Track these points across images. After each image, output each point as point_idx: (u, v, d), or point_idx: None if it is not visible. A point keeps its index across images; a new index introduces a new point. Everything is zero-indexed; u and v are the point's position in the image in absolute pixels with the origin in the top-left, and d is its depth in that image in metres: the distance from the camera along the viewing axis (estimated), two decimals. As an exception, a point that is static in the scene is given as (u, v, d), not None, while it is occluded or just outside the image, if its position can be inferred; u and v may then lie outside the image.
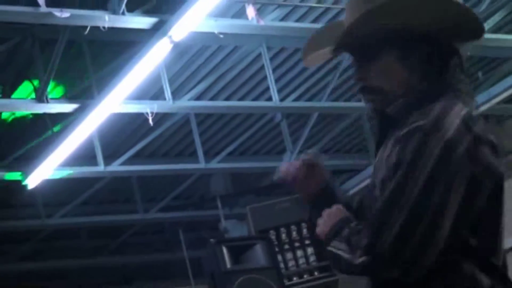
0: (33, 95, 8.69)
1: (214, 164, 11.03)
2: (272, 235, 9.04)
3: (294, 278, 9.18)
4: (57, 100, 8.77)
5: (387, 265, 2.72)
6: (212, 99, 10.22)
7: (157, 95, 9.35)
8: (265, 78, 9.68)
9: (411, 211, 2.67)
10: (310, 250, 9.41)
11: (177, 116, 10.34)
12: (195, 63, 9.64)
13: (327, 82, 10.27)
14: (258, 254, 8.22)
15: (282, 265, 8.84)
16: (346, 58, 9.87)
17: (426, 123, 2.73)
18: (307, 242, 9.40)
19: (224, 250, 7.92)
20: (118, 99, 8.55)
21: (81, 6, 7.48)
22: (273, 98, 9.62)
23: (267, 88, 9.80)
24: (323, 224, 2.91)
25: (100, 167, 10.06)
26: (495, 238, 2.89)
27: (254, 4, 8.18)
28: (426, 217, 2.66)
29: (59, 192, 10.98)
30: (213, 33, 8.06)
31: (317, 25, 8.98)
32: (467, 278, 2.80)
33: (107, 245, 13.25)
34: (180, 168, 11.31)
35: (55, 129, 9.42)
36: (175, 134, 11.12)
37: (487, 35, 9.32)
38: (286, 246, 9.33)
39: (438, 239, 2.69)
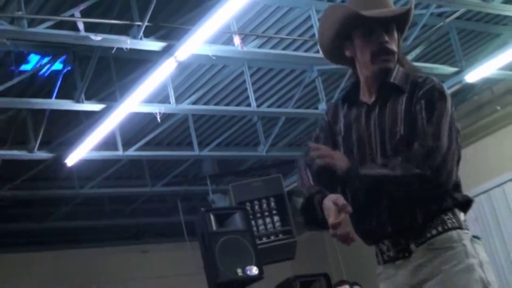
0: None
1: (206, 152, 10.99)
2: (248, 206, 9.18)
3: (264, 239, 9.31)
4: (90, 101, 8.73)
5: (435, 176, 2.83)
6: (205, 103, 10.17)
7: (164, 100, 9.27)
8: (246, 89, 9.70)
9: (448, 146, 2.85)
10: (276, 218, 9.54)
11: (178, 115, 10.31)
12: (193, 77, 9.60)
13: (293, 94, 10.33)
14: (237, 220, 8.32)
15: (254, 229, 8.96)
16: (307, 77, 9.98)
17: (437, 84, 2.98)
18: (274, 212, 9.52)
19: (211, 216, 8.01)
20: (135, 101, 8.59)
21: (110, 32, 7.49)
22: (252, 105, 9.65)
23: (247, 97, 9.81)
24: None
25: (120, 152, 10.06)
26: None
27: (239, 34, 8.27)
28: (456, 153, 2.93)
29: (89, 169, 10.92)
30: (207, 55, 8.09)
31: (287, 52, 9.06)
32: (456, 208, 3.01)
33: (123, 210, 13.17)
34: (179, 154, 11.34)
35: (87, 122, 9.40)
36: (177, 129, 11.05)
37: (413, 62, 9.42)
38: (258, 215, 9.47)
39: (457, 168, 2.98)
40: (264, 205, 9.55)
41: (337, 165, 2.86)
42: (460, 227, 2.94)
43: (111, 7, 7.53)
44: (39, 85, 9.01)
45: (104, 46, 7.71)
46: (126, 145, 10.21)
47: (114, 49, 7.64)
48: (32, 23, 7.11)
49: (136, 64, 8.65)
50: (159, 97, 9.20)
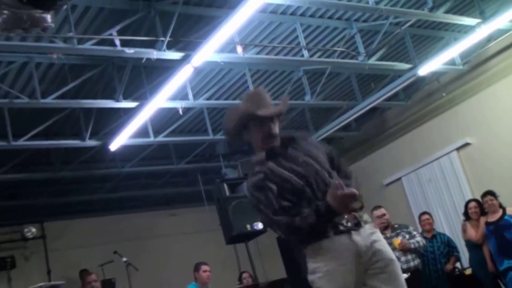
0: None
1: (218, 136, 10.96)
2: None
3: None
4: (126, 100, 8.76)
5: None
6: (217, 99, 10.18)
7: (184, 97, 9.28)
8: (247, 87, 9.68)
9: None
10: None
11: (196, 109, 10.35)
12: (206, 78, 9.61)
13: (285, 89, 10.36)
14: (244, 187, 8.34)
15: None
16: (295, 75, 9.99)
17: (317, 140, 3.77)
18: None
19: (225, 185, 8.07)
20: (162, 99, 8.61)
21: (140, 46, 7.50)
22: (252, 98, 9.68)
23: (249, 93, 9.83)
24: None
25: (151, 139, 10.11)
26: None
27: (241, 44, 8.29)
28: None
29: (128, 152, 10.95)
30: (217, 61, 8.13)
31: (279, 57, 9.07)
32: None
33: (155, 183, 13.17)
34: (197, 138, 11.31)
35: (125, 117, 9.42)
36: (195, 119, 11.05)
37: (377, 62, 9.45)
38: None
39: None
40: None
41: None
42: None
43: (141, 27, 7.53)
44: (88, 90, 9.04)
45: (136, 57, 7.72)
46: (156, 133, 10.24)
47: (144, 59, 7.67)
48: (80, 41, 7.15)
49: (162, 70, 8.64)
50: (180, 95, 9.20)
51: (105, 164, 11.46)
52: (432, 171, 11.58)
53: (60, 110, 9.15)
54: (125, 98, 8.71)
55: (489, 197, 8.47)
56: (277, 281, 9.23)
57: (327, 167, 3.47)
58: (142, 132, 9.94)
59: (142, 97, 8.88)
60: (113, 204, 13.20)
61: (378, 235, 3.43)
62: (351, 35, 9.09)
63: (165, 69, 8.46)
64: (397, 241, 7.71)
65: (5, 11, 4.38)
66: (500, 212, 8.35)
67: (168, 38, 7.33)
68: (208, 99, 9.85)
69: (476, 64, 10.75)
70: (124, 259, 10.01)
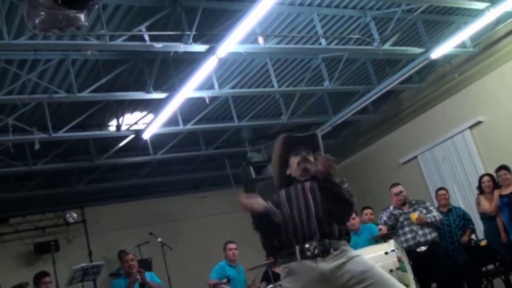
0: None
1: (243, 123, 11.02)
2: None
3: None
4: (156, 91, 8.81)
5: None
6: (241, 87, 10.16)
7: (210, 87, 9.29)
8: (269, 75, 9.75)
9: None
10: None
11: (221, 98, 10.39)
12: (230, 68, 9.61)
13: (304, 76, 10.37)
14: (269, 170, 8.41)
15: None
16: (314, 63, 9.98)
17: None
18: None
19: (251, 168, 8.16)
20: (189, 89, 8.63)
21: (168, 40, 7.51)
22: (274, 86, 9.71)
23: (271, 81, 9.84)
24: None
25: (181, 127, 10.19)
26: None
27: (262, 35, 8.30)
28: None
29: (160, 140, 11.03)
30: (240, 52, 8.15)
31: (298, 46, 9.06)
32: None
33: (186, 168, 13.28)
34: (224, 125, 11.32)
35: (156, 107, 9.46)
36: (221, 108, 11.07)
37: (391, 47, 9.41)
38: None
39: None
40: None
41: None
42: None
43: (168, 22, 7.54)
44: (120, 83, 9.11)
45: (164, 51, 7.77)
46: (185, 121, 10.31)
47: (172, 53, 7.70)
48: (112, 38, 7.20)
49: (188, 62, 8.67)
50: (207, 85, 9.23)
51: (139, 152, 11.52)
52: (447, 149, 11.51)
53: (95, 103, 9.25)
54: (155, 89, 8.76)
55: (503, 171, 8.44)
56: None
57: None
58: (172, 121, 9.99)
59: (171, 88, 8.92)
60: (147, 189, 13.30)
61: (350, 254, 3.62)
62: (366, 23, 9.04)
63: (192, 61, 8.48)
64: (414, 215, 7.73)
65: (42, 12, 4.46)
66: (513, 185, 8.34)
67: (193, 32, 7.35)
68: (232, 88, 9.86)
69: (486, 46, 10.63)
70: (159, 239, 10.13)
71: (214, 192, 14.09)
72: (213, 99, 9.95)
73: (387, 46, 9.31)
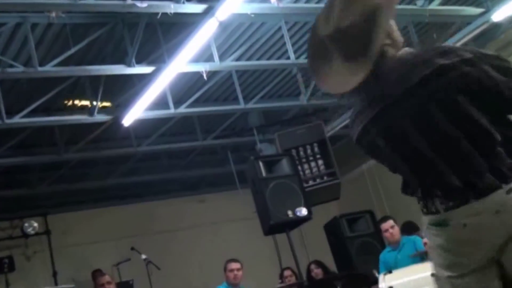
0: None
1: (251, 105, 11.05)
2: (293, 152, 9.27)
3: (310, 182, 9.42)
4: (140, 64, 8.81)
5: None
6: (247, 59, 10.14)
7: (208, 58, 9.27)
8: (284, 44, 9.67)
9: None
10: (320, 162, 9.66)
11: (223, 72, 10.36)
12: (234, 35, 9.57)
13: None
14: (284, 166, 8.42)
15: (301, 173, 9.06)
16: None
17: None
18: (318, 156, 9.62)
19: (260, 164, 8.14)
20: (182, 62, 8.62)
21: (155, -1, 7.56)
22: (291, 57, 9.66)
23: (286, 51, 9.76)
24: None
25: (172, 110, 10.18)
26: None
27: (275, -8, 8.26)
28: None
29: (144, 128, 11.03)
30: (246, 14, 8.12)
31: (321, 5, 9.01)
32: None
33: (178, 164, 13.27)
34: (226, 108, 11.36)
35: (140, 85, 9.48)
36: (222, 85, 11.05)
37: (440, 7, 9.37)
38: (303, 160, 9.56)
39: None
40: (309, 151, 9.67)
41: None
42: None
43: (154, -25, 7.57)
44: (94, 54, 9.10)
45: (150, 12, 7.76)
46: (177, 103, 10.31)
47: (159, 15, 7.69)
48: (82, -5, 7.21)
49: (181, 27, 8.66)
50: (204, 56, 9.20)
51: (118, 142, 11.56)
52: None
53: (62, 80, 9.25)
54: (139, 62, 8.77)
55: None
56: (325, 279, 9.28)
57: None
58: (161, 103, 10.01)
59: (159, 61, 8.93)
60: (129, 190, 13.37)
61: None
62: (408, -25, 9.05)
63: (185, 25, 8.47)
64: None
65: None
66: None
67: (187, -12, 7.38)
68: (237, 60, 9.84)
69: None
70: (144, 256, 10.16)
71: (214, 195, 14.14)
72: (212, 74, 9.94)
73: (434, 5, 9.27)
